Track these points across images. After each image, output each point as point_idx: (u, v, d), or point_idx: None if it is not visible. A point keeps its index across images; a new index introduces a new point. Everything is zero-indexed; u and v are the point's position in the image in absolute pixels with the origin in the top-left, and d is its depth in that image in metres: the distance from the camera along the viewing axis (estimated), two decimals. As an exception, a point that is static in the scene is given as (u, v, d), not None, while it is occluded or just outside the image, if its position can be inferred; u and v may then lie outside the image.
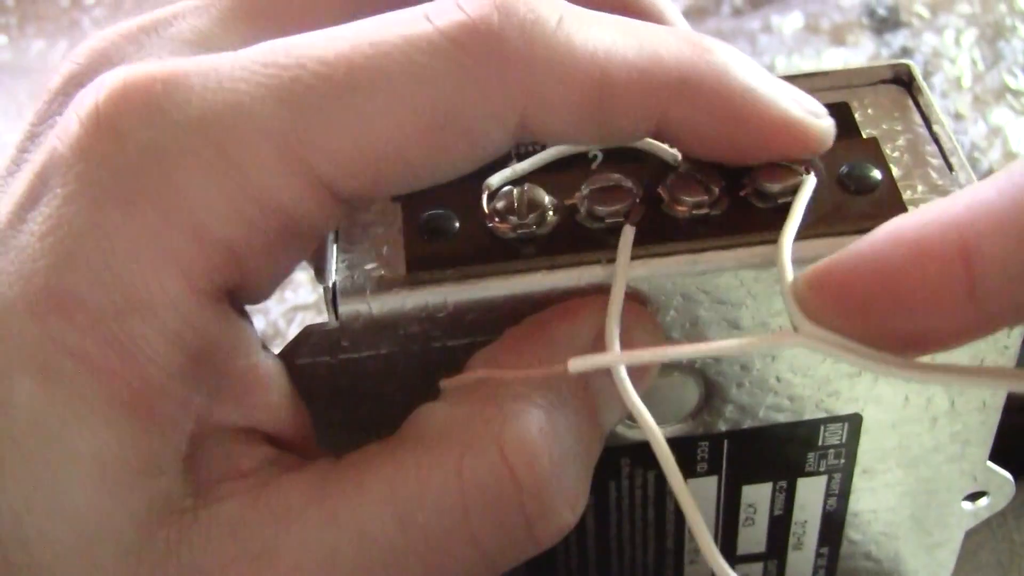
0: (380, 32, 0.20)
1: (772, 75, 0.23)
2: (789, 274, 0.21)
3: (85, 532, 0.19)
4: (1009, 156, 0.46)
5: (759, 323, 0.24)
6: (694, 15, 0.51)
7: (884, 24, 0.51)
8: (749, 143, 0.23)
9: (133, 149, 0.19)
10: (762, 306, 0.23)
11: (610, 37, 0.21)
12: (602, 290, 0.22)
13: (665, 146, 0.25)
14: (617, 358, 0.21)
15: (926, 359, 0.20)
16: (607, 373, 0.21)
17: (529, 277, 0.23)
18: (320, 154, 0.20)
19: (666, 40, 0.22)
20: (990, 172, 0.45)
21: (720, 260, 0.23)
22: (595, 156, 0.25)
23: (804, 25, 0.51)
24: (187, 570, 0.20)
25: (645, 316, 0.23)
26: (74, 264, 0.19)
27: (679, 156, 0.24)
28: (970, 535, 0.30)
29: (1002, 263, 0.18)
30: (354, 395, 0.24)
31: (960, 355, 0.24)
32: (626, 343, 0.22)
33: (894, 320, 0.19)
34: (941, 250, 0.19)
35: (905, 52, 0.49)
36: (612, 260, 0.22)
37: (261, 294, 0.22)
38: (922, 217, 0.19)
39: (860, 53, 0.50)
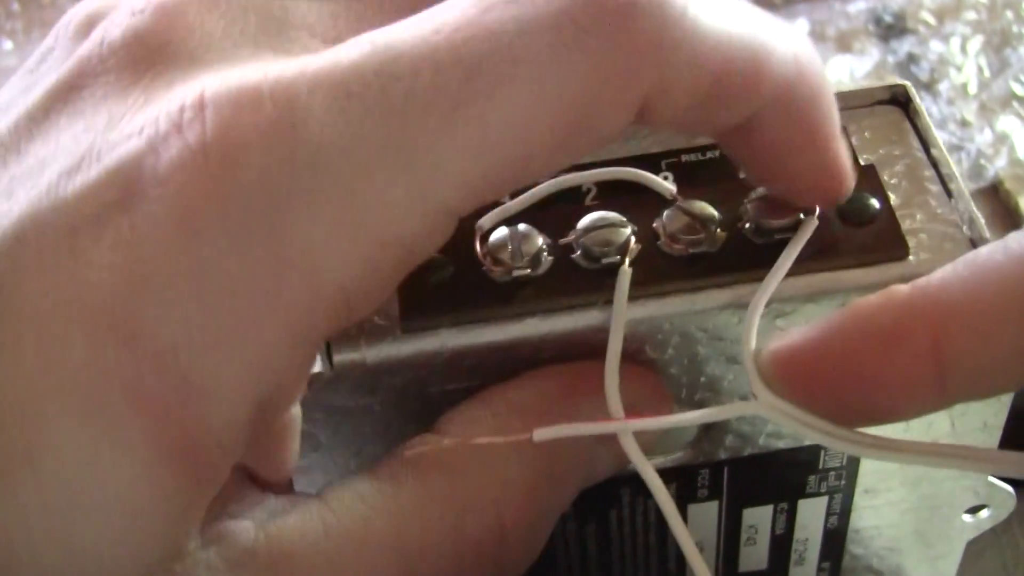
0: (494, 18, 0.18)
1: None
2: (753, 342, 0.21)
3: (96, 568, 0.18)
4: (1015, 163, 0.46)
5: None
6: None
7: (890, 31, 0.51)
8: (805, 179, 0.22)
9: (244, 179, 0.17)
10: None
11: (730, 24, 0.20)
12: (600, 332, 0.22)
13: (660, 179, 0.24)
14: (582, 428, 0.22)
15: (876, 431, 0.21)
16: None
17: (526, 322, 0.23)
18: (442, 177, 0.18)
19: (778, 37, 0.20)
20: (996, 179, 0.45)
21: (717, 299, 0.23)
22: (588, 190, 0.25)
23: (810, 32, 0.51)
24: None
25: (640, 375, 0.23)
26: (154, 293, 0.17)
27: (674, 190, 0.24)
28: (974, 540, 0.30)
29: (972, 356, 0.19)
30: (351, 441, 0.24)
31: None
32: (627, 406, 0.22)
33: (857, 401, 0.20)
34: (912, 343, 0.19)
35: (911, 59, 0.49)
36: (609, 302, 0.22)
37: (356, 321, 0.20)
38: (892, 306, 0.20)
39: (866, 60, 0.50)
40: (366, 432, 0.24)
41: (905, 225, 0.23)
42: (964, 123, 0.47)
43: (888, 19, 0.51)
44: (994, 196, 0.45)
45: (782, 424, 0.20)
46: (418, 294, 0.23)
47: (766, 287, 0.22)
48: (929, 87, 0.48)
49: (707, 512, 0.27)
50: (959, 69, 0.49)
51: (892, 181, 0.24)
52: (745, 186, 0.23)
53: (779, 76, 0.20)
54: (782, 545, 0.28)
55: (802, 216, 0.23)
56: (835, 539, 0.29)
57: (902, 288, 0.20)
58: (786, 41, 0.20)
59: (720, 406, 0.22)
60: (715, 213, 0.23)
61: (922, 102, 0.26)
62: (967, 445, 0.21)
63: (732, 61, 0.20)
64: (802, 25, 0.51)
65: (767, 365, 0.21)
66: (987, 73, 0.49)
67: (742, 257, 0.23)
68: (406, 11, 0.19)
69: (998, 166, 0.46)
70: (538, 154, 0.19)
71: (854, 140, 0.25)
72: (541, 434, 0.21)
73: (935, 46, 0.50)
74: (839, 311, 0.20)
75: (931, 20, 0.51)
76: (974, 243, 0.23)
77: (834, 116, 0.22)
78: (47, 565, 0.17)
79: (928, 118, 0.25)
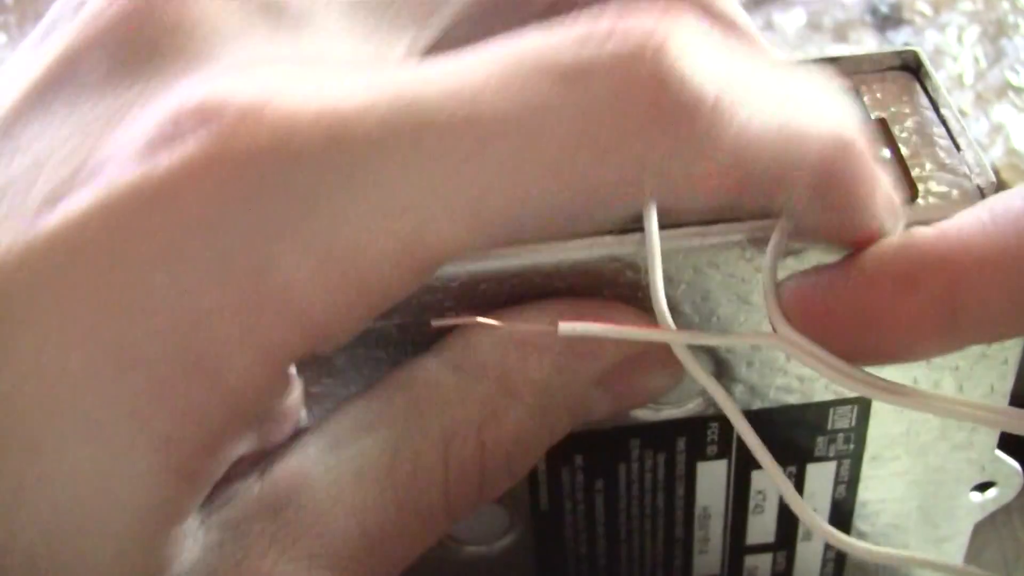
0: (511, 70, 0.18)
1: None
2: (773, 276, 0.21)
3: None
4: (1011, 153, 0.46)
5: None
6: (696, 12, 0.51)
7: (887, 22, 0.51)
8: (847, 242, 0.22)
9: (234, 199, 0.17)
10: None
11: (759, 114, 0.19)
12: (613, 261, 0.23)
13: None
14: (671, 335, 0.22)
15: (890, 377, 0.21)
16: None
17: (541, 247, 0.23)
18: (432, 224, 0.18)
19: (817, 120, 0.20)
20: (993, 169, 0.45)
21: (729, 232, 0.23)
22: None
23: (807, 23, 0.51)
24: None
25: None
26: (146, 319, 0.17)
27: None
28: (975, 534, 0.30)
29: (986, 302, 0.19)
30: (365, 366, 0.24)
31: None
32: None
33: (870, 342, 0.20)
34: (928, 287, 0.20)
35: (907, 49, 0.49)
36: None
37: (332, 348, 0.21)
38: (911, 250, 0.20)
39: (863, 50, 0.50)
40: (381, 357, 0.24)
41: (915, 172, 0.24)
42: (960, 113, 0.47)
43: (884, 9, 0.51)
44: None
45: (798, 358, 0.21)
46: None
47: (783, 224, 0.22)
48: (925, 77, 0.49)
49: (716, 472, 0.27)
50: (955, 59, 0.49)
51: (903, 135, 0.25)
52: None
53: (814, 167, 0.19)
54: (790, 515, 0.28)
55: None
56: (843, 512, 0.28)
57: (922, 231, 0.20)
58: (826, 123, 0.20)
59: (741, 333, 0.22)
60: None
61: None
62: (978, 401, 0.21)
63: (756, 164, 0.19)
64: (799, 15, 0.52)
65: (786, 301, 0.21)
66: (983, 63, 0.49)
67: None
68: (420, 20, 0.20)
69: (994, 156, 0.46)
70: (528, 221, 0.19)
71: (866, 99, 0.26)
72: (565, 328, 0.21)
73: (931, 36, 0.50)
74: (861, 252, 0.20)
75: (927, 10, 0.51)
76: (983, 191, 0.23)
77: (875, 190, 0.21)
78: (38, 553, 0.18)
79: (939, 80, 0.26)
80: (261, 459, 0.21)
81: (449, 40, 0.22)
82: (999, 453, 0.28)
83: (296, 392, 0.22)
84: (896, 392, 0.21)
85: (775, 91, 0.19)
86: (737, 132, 0.18)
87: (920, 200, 0.23)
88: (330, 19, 0.20)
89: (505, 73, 0.18)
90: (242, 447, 0.20)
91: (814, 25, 0.51)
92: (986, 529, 0.35)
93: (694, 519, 0.28)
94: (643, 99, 0.18)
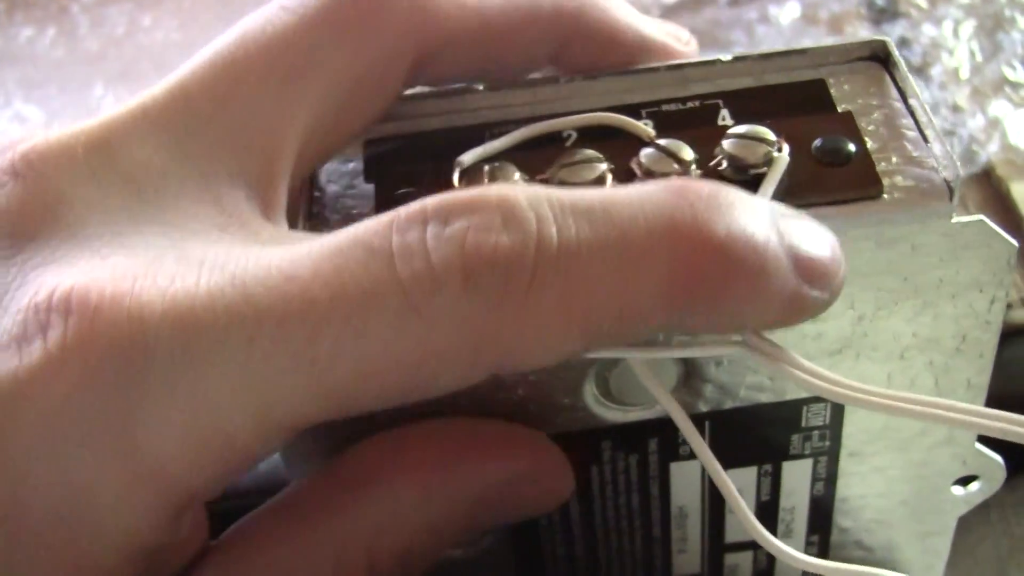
0: (337, 254, 0.19)
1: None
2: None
3: None
4: (1007, 148, 0.45)
5: None
6: (691, 5, 0.51)
7: (882, 14, 0.50)
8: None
9: (98, 386, 0.19)
10: None
11: (585, 253, 0.19)
12: None
13: (640, 123, 0.24)
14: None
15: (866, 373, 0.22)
16: None
17: None
18: (279, 401, 0.19)
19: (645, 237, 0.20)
20: (988, 165, 0.45)
21: None
22: (569, 135, 0.25)
23: (802, 15, 0.51)
24: None
25: None
26: (35, 493, 0.19)
27: (652, 132, 0.24)
28: (970, 529, 0.30)
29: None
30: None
31: (944, 329, 0.24)
32: None
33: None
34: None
35: (903, 43, 0.49)
36: None
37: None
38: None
39: (830, 42, 0.49)
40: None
41: (880, 167, 0.23)
42: (956, 108, 0.47)
43: (880, 2, 0.51)
44: (986, 182, 0.44)
45: (764, 365, 0.21)
46: None
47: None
48: (921, 71, 0.48)
49: (690, 472, 0.27)
50: (951, 53, 0.48)
51: (869, 128, 0.24)
52: (723, 132, 0.23)
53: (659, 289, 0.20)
54: (768, 514, 0.28)
55: (775, 154, 0.23)
56: (822, 508, 0.28)
57: None
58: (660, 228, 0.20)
59: (705, 342, 0.22)
60: (692, 152, 0.23)
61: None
62: (947, 402, 0.21)
63: (596, 298, 0.19)
64: (793, 8, 0.51)
65: None
66: (979, 57, 0.48)
67: None
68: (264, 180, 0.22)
69: (990, 151, 0.45)
70: (372, 391, 0.20)
71: (833, 92, 0.25)
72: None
73: (927, 30, 0.49)
74: None
75: (923, 3, 0.51)
76: (949, 185, 0.23)
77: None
78: None
79: (907, 70, 0.25)
80: None
81: None
82: (980, 447, 0.28)
83: (199, 520, 0.23)
84: (865, 394, 0.21)
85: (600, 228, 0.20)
86: (563, 282, 0.19)
87: (886, 195, 0.23)
88: (185, 188, 0.22)
89: (333, 257, 0.19)
90: None
91: (809, 18, 0.51)
92: (981, 525, 0.35)
93: (671, 519, 0.28)
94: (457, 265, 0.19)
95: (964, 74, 0.48)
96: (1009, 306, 0.36)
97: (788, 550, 0.22)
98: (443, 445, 0.24)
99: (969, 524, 0.29)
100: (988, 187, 0.45)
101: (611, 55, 0.26)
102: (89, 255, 0.20)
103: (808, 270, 0.20)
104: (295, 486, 0.24)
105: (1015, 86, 0.47)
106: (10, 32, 0.54)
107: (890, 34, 0.49)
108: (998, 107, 0.47)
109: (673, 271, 0.19)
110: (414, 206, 0.20)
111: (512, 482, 0.24)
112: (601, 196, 0.20)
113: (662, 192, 0.20)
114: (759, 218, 0.20)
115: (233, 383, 0.19)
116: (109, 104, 0.49)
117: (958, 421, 0.21)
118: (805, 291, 0.20)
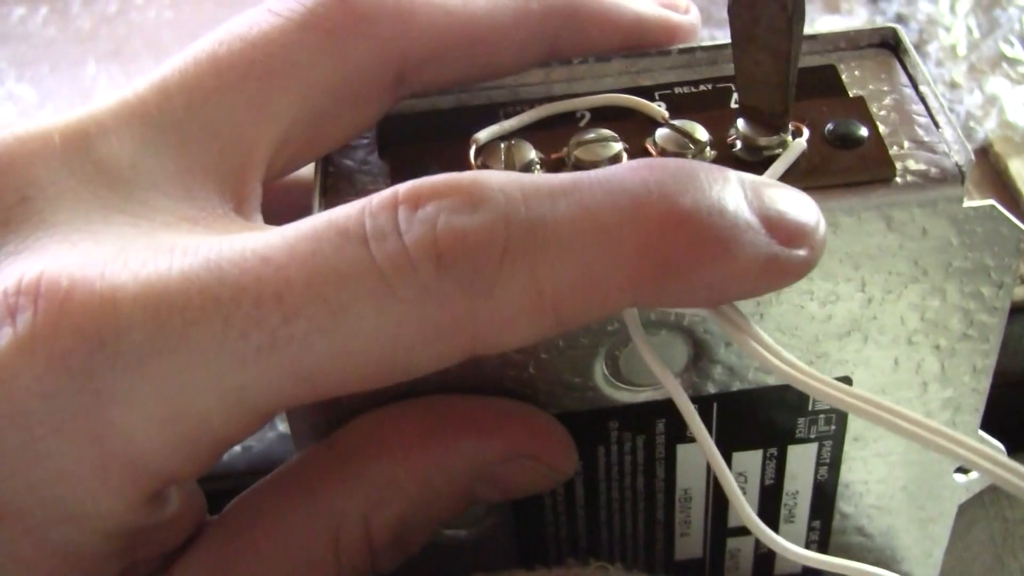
0: (315, 252, 0.20)
1: None
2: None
3: None
4: (1005, 125, 0.45)
5: None
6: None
7: (879, -8, 0.50)
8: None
9: (68, 369, 0.19)
10: None
11: (554, 235, 0.20)
12: None
13: (653, 104, 0.25)
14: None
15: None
16: None
17: None
18: (255, 381, 0.19)
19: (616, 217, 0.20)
20: (986, 142, 0.45)
21: None
22: (583, 115, 0.25)
23: (798, -7, 0.50)
24: None
25: None
26: (11, 478, 0.19)
27: (666, 114, 0.24)
28: (963, 512, 0.30)
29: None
30: None
31: (952, 314, 0.24)
32: None
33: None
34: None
35: (900, 19, 0.49)
36: None
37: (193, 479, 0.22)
38: None
39: (854, 21, 0.49)
40: None
41: (893, 151, 0.23)
42: (953, 85, 0.47)
43: (877, -21, 0.51)
44: (983, 159, 0.44)
45: (731, 335, 0.21)
46: None
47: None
48: (918, 48, 0.48)
49: (697, 455, 0.27)
50: (948, 30, 0.48)
51: (881, 113, 0.24)
52: (736, 114, 0.24)
53: (631, 268, 0.20)
54: (772, 498, 0.28)
55: (790, 138, 0.23)
56: (825, 493, 0.28)
57: None
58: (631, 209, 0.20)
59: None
60: (706, 132, 0.23)
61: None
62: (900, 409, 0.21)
63: (566, 277, 0.20)
64: (790, -15, 0.51)
65: None
66: (976, 34, 0.48)
67: None
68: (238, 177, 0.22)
69: (987, 128, 0.45)
70: (352, 373, 0.20)
71: (844, 77, 0.26)
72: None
73: (923, 6, 0.49)
74: None
75: (920, -20, 0.50)
76: (961, 169, 0.23)
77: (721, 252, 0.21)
78: None
79: (917, 57, 0.25)
80: (158, 560, 0.23)
81: None
82: (983, 434, 0.28)
83: (193, 499, 0.23)
84: (812, 379, 0.21)
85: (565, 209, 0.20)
86: (534, 261, 0.19)
87: (898, 179, 0.23)
88: (157, 181, 0.22)
89: (308, 240, 0.20)
90: (129, 559, 0.22)
91: (805, -5, 0.50)
92: (975, 508, 0.35)
93: (675, 501, 0.28)
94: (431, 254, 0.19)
95: (961, 51, 0.48)
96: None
97: (783, 542, 0.23)
98: (441, 421, 0.24)
99: (962, 507, 0.29)
100: (986, 164, 0.45)
101: (608, 41, 0.26)
102: (59, 242, 0.20)
103: (784, 231, 0.20)
104: (293, 460, 0.24)
105: (1013, 62, 0.47)
106: (2, 11, 0.53)
107: (887, 11, 0.49)
108: (995, 84, 0.46)
109: (641, 246, 0.19)
110: (386, 192, 0.20)
111: (510, 459, 0.24)
112: (571, 178, 0.20)
113: (628, 171, 0.20)
114: (727, 188, 0.20)
115: (208, 365, 0.19)
116: (102, 83, 0.48)
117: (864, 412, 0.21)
118: (783, 253, 0.20)
